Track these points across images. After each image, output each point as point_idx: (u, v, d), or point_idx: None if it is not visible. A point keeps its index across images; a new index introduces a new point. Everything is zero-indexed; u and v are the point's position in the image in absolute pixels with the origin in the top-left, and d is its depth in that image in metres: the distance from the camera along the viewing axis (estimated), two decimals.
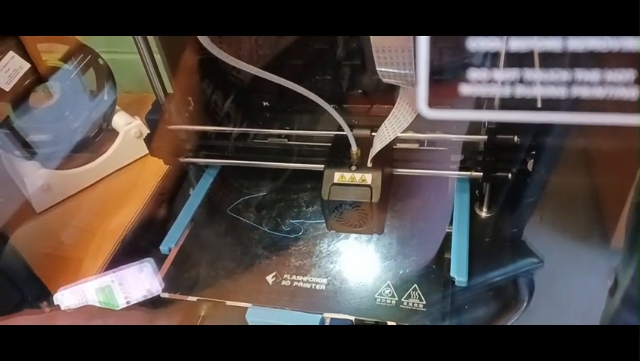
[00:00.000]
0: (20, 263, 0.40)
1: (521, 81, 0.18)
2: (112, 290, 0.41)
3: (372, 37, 0.29)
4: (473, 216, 0.46)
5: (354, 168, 0.41)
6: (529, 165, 0.41)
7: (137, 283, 0.42)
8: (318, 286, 0.42)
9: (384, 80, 0.32)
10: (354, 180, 0.41)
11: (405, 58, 0.29)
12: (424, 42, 0.17)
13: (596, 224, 0.45)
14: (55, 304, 0.40)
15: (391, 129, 0.38)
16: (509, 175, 0.42)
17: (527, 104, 0.19)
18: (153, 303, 0.42)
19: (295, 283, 0.43)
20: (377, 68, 0.31)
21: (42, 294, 0.36)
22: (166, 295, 0.43)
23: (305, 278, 0.43)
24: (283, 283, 0.43)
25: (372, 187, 0.40)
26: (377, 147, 0.39)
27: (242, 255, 0.46)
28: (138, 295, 0.41)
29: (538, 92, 0.18)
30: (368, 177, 0.40)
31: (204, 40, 0.33)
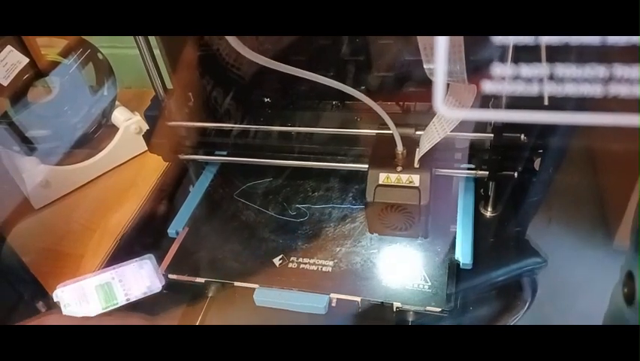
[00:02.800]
0: (17, 262, 0.40)
1: (529, 77, 0.18)
2: (112, 287, 0.40)
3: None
4: (478, 216, 0.46)
5: (400, 168, 0.39)
6: (536, 163, 0.40)
7: (137, 280, 0.41)
8: (324, 268, 0.42)
9: (432, 78, 0.31)
10: (400, 181, 0.39)
11: (455, 54, 0.28)
12: (442, 40, 0.17)
13: (600, 223, 0.45)
14: (55, 300, 0.39)
15: (440, 128, 0.36)
16: (515, 174, 0.41)
17: (535, 102, 0.18)
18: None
19: (302, 266, 0.43)
20: (425, 66, 0.30)
21: (38, 293, 0.35)
22: (174, 276, 0.43)
23: (312, 260, 0.43)
24: (290, 265, 0.43)
25: (421, 189, 0.38)
26: (425, 146, 0.38)
27: (248, 238, 0.46)
28: (138, 292, 0.41)
29: (545, 88, 0.17)
30: (415, 179, 0.39)
31: (232, 40, 0.31)
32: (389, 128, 0.39)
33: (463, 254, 0.42)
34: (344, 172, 0.50)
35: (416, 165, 0.39)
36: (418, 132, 0.41)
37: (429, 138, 0.37)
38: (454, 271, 0.41)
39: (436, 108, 0.17)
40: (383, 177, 0.40)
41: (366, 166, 0.41)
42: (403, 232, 0.41)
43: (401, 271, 0.41)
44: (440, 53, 0.17)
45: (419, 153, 0.39)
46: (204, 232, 0.48)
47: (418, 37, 0.29)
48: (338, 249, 0.44)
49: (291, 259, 0.43)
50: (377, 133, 0.43)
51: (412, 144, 0.40)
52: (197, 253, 0.45)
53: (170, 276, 0.43)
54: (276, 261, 0.43)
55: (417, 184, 0.39)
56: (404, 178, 0.39)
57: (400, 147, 0.40)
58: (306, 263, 0.43)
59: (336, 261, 0.43)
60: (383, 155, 0.41)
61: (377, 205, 0.40)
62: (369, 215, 0.41)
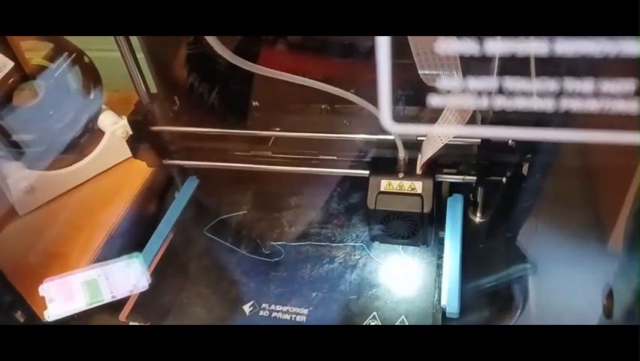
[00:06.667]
0: None
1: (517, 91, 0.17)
2: (98, 284, 0.40)
3: (410, 39, 0.27)
4: (466, 222, 0.45)
5: (402, 175, 0.39)
6: (525, 168, 0.40)
7: (123, 278, 0.41)
8: (298, 318, 0.40)
9: (428, 83, 0.30)
10: (402, 188, 0.38)
11: (449, 59, 0.27)
12: (384, 44, 0.15)
13: (592, 228, 0.44)
14: (41, 295, 0.39)
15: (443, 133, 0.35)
16: (503, 179, 0.41)
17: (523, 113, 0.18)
18: None
19: (274, 314, 0.40)
20: (419, 71, 0.29)
21: (17, 303, 0.34)
22: (135, 324, 0.41)
23: (285, 308, 0.41)
24: (261, 313, 0.41)
25: (424, 196, 0.38)
26: (428, 152, 0.36)
27: (217, 281, 0.43)
28: (124, 290, 0.40)
29: (535, 102, 0.17)
30: (418, 186, 0.38)
31: (213, 42, 0.30)
32: (389, 133, 0.38)
33: (450, 303, 0.38)
34: (324, 204, 0.48)
35: (418, 171, 0.38)
36: (419, 138, 0.39)
37: (431, 144, 0.36)
38: (439, 320, 0.38)
39: (382, 123, 0.16)
40: (385, 184, 0.39)
41: (365, 172, 0.40)
42: (405, 241, 0.40)
43: (383, 320, 0.39)
44: (382, 57, 0.15)
45: (421, 159, 0.38)
46: (169, 275, 0.45)
47: (411, 41, 0.28)
48: (314, 294, 0.41)
49: (263, 306, 0.41)
50: (377, 138, 0.41)
51: (412, 149, 0.39)
52: (160, 298, 0.43)
53: (132, 323, 0.41)
54: (247, 308, 0.41)
55: (419, 191, 0.38)
56: (406, 185, 0.38)
57: (401, 153, 0.39)
58: (278, 311, 0.41)
59: (311, 309, 0.40)
60: (384, 161, 0.40)
61: (379, 213, 0.38)
62: (371, 223, 0.40)
